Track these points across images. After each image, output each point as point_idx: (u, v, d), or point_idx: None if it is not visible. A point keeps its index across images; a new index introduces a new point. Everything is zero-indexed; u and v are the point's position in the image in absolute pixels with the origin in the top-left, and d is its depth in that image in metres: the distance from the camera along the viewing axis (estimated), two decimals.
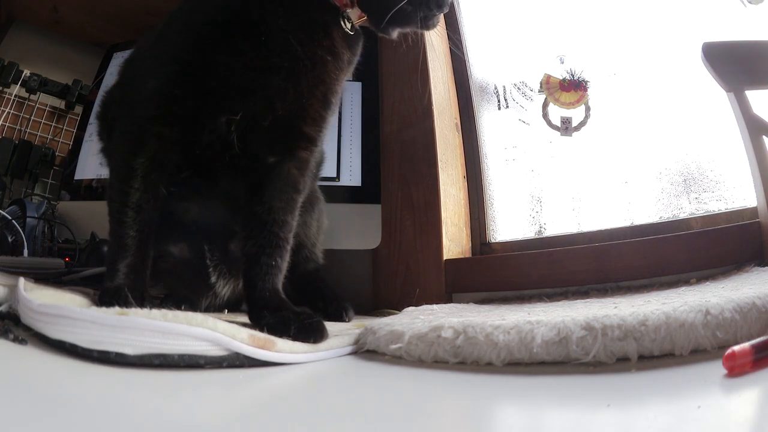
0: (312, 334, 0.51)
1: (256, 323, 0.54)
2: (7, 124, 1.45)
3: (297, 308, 0.57)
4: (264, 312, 0.56)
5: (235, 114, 0.58)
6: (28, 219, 1.13)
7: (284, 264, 0.62)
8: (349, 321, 0.80)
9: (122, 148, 0.61)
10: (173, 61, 0.59)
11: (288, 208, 0.63)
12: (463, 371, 0.43)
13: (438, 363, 0.46)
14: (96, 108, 0.85)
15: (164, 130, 0.59)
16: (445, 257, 0.96)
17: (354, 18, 0.62)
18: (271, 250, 0.61)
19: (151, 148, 0.59)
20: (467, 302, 0.85)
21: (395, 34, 0.66)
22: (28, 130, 1.48)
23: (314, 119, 0.62)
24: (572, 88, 1.00)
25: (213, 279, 0.73)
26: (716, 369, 0.34)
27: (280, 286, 0.61)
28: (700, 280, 0.73)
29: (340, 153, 1.03)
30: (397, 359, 0.48)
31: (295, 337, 0.50)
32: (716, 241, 0.77)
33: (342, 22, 0.61)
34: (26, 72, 1.47)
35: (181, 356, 0.40)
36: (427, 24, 0.64)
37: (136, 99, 0.61)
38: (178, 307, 0.56)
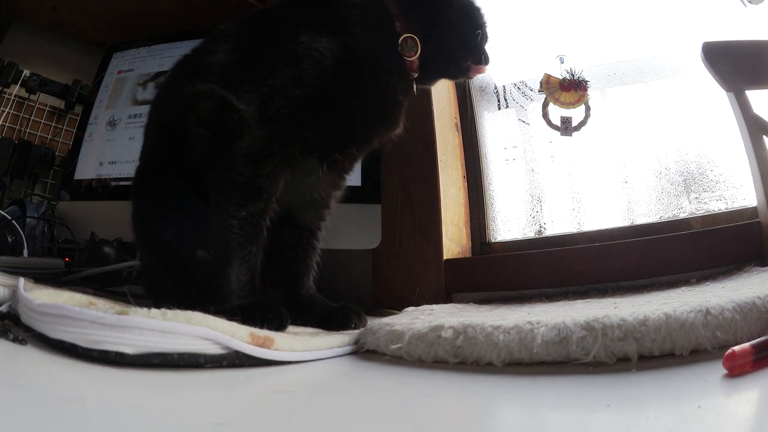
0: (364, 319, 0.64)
1: (309, 315, 0.65)
2: (7, 124, 1.44)
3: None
4: (314, 307, 0.67)
5: (338, 150, 0.65)
6: (27, 219, 1.13)
7: None
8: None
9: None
10: (315, 94, 0.60)
11: (324, 221, 0.74)
12: (463, 371, 0.43)
13: (438, 363, 0.46)
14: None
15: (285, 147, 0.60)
16: (445, 257, 0.95)
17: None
18: (315, 254, 0.72)
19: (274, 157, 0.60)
20: (467, 302, 0.85)
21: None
22: (27, 130, 1.47)
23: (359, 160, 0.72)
24: (572, 87, 1.00)
25: None
26: (716, 369, 0.34)
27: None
28: (700, 280, 0.73)
29: None
30: (397, 359, 0.48)
31: (357, 326, 0.62)
32: (716, 241, 0.77)
33: (413, 89, 0.69)
34: (26, 72, 1.47)
35: (181, 355, 0.40)
36: (469, 75, 0.71)
37: (275, 107, 0.60)
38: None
